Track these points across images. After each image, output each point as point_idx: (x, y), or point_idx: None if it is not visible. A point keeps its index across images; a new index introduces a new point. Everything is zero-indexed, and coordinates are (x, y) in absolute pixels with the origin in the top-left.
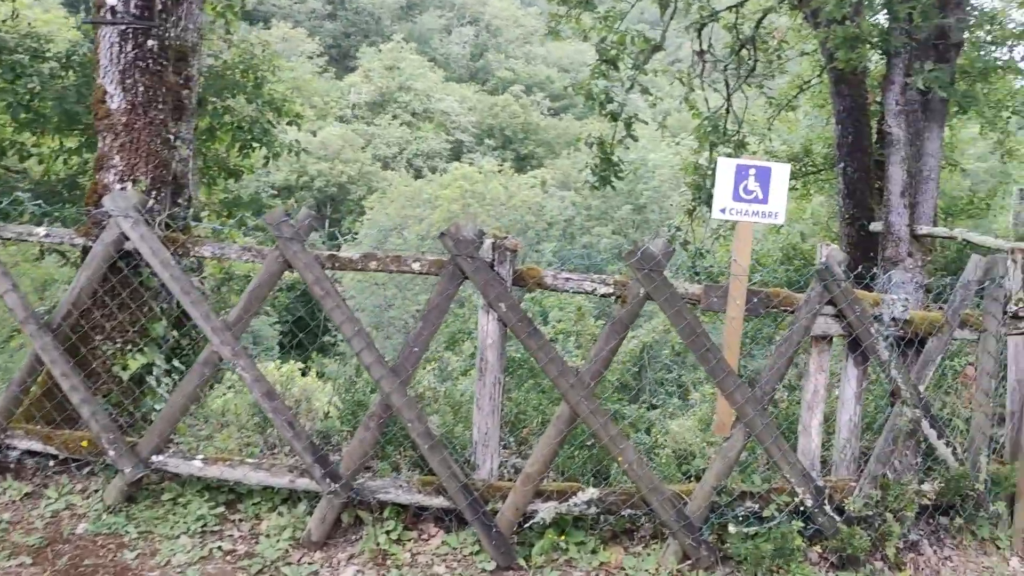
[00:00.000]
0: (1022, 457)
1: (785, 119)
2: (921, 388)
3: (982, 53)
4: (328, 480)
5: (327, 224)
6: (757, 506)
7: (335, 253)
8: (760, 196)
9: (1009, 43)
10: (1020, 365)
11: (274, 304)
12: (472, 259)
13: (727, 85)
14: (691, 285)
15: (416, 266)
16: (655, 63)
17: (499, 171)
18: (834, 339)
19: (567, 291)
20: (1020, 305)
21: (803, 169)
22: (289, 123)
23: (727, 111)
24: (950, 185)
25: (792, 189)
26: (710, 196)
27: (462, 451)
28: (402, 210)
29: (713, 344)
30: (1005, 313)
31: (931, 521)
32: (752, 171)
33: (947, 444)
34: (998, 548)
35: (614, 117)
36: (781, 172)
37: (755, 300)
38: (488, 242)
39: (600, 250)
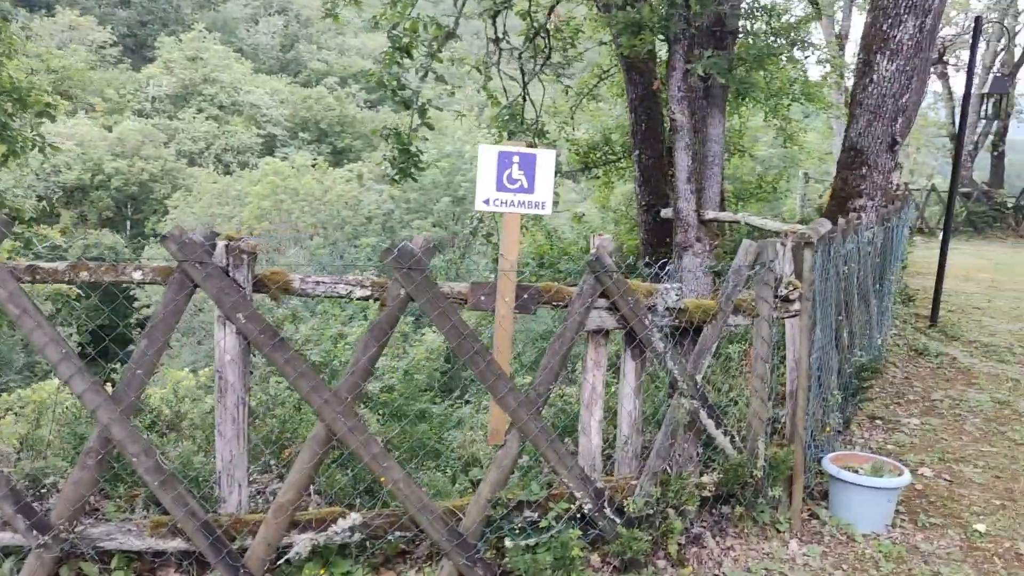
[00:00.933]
0: (798, 439)
1: (588, 108)
2: (698, 378)
3: (757, 41)
4: (35, 531)
5: (129, 225)
6: (536, 515)
7: (36, 264)
8: (525, 185)
9: (788, 35)
10: (797, 346)
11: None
12: (202, 265)
13: (523, 73)
14: (457, 284)
15: (137, 275)
16: (454, 51)
17: (313, 165)
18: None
19: (318, 296)
20: (790, 288)
21: (604, 158)
22: (39, 115)
23: (524, 99)
24: (743, 170)
25: (595, 178)
26: None
27: (206, 483)
28: (209, 209)
29: (482, 346)
30: (776, 297)
31: (713, 512)
32: (516, 159)
33: (725, 433)
34: (778, 531)
35: (406, 105)
36: (546, 159)
37: (526, 296)
38: (221, 245)
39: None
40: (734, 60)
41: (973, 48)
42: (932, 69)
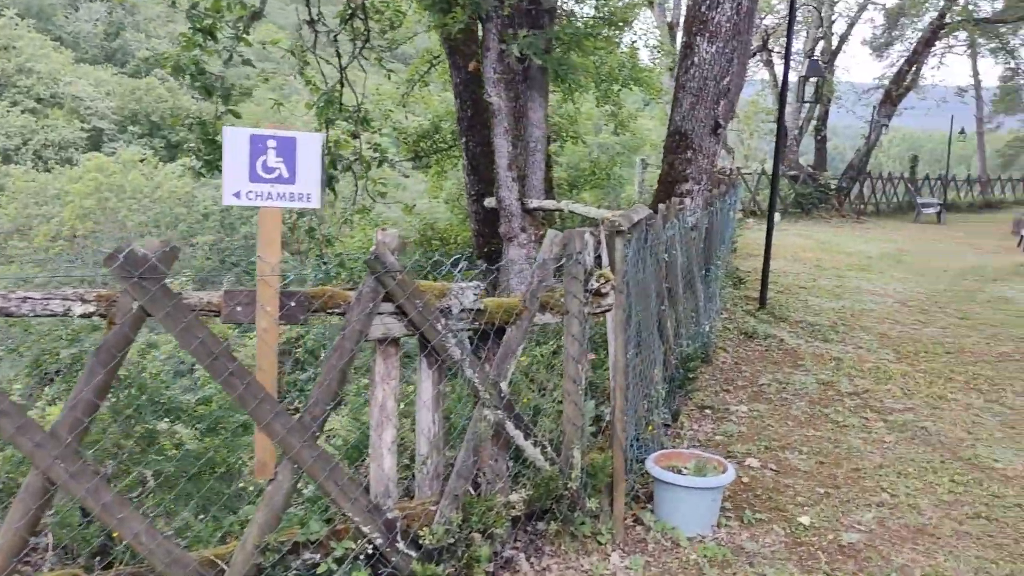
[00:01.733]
0: (617, 442)
1: (421, 96)
2: (504, 385)
3: (573, 20)
4: None
5: None
6: (317, 556)
7: None
8: (285, 174)
9: (613, 17)
10: (619, 341)
11: None
12: None
13: (339, 57)
14: (208, 293)
15: None
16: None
17: (142, 160)
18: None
19: (25, 315)
20: (602, 282)
21: (435, 146)
22: None
23: (342, 85)
24: (577, 156)
25: (427, 168)
26: (330, 178)
27: None
28: (25, 209)
29: (239, 366)
30: (587, 291)
31: (528, 530)
32: (272, 143)
33: (536, 444)
34: (600, 544)
35: (208, 92)
36: (310, 144)
37: (292, 304)
38: None
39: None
40: (552, 41)
41: (789, 32)
42: (758, 56)
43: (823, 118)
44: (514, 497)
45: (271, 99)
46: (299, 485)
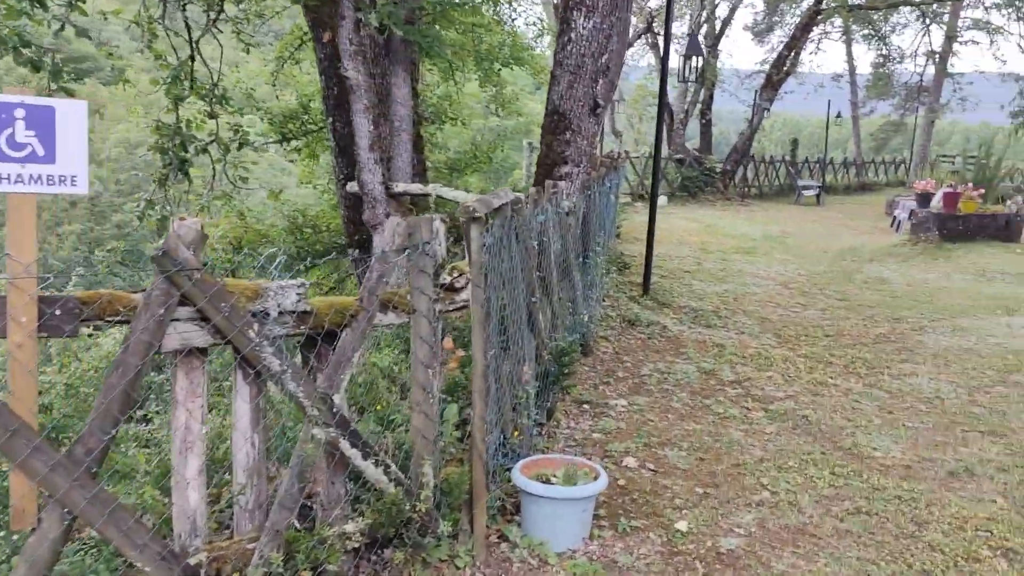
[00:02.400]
0: (476, 453)
1: (291, 73)
2: (337, 398)
3: None
4: None
5: None
6: None
7: None
8: (40, 152)
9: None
10: (478, 340)
11: None
12: None
13: (188, 29)
14: None
15: None
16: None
17: None
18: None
19: None
20: (455, 275)
21: (304, 128)
22: None
23: (192, 59)
24: (461, 139)
25: (296, 151)
26: (183, 161)
27: None
28: None
29: None
30: (439, 286)
31: (373, 560)
32: (20, 113)
33: (377, 463)
34: (457, 569)
35: (35, 67)
36: (73, 114)
37: (58, 312)
38: None
39: None
40: (417, 12)
41: (669, 9)
42: (644, 39)
43: (708, 102)
44: (350, 527)
45: (114, 72)
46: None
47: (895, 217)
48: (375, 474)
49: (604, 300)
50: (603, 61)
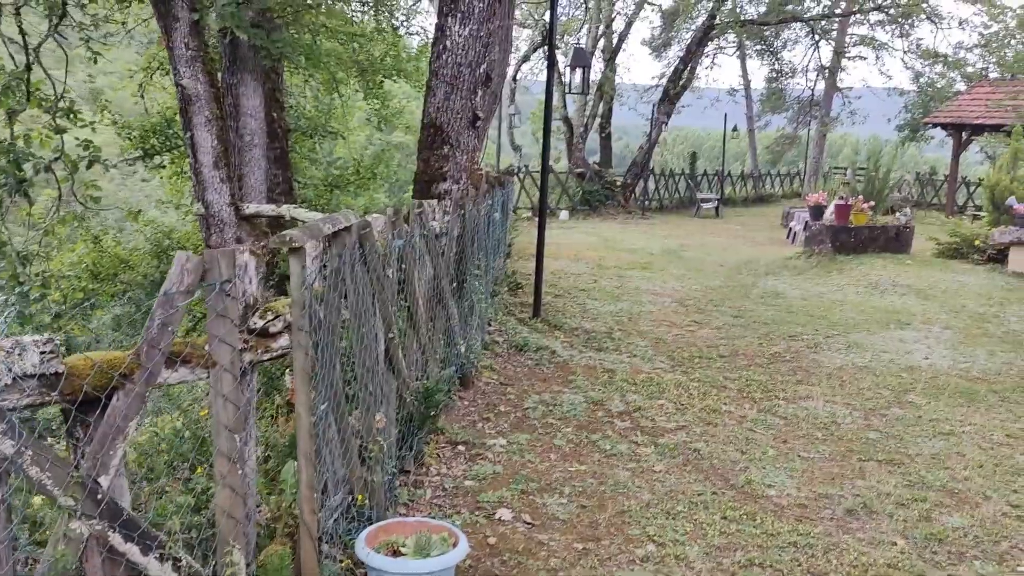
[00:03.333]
0: (304, 527)
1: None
2: (105, 480)
3: None
4: None
5: None
6: None
7: None
8: None
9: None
10: (303, 394)
11: None
12: None
13: (23, 35)
14: None
15: None
16: None
17: None
18: None
19: None
20: (268, 318)
21: (168, 143)
22: None
23: (29, 68)
24: (351, 154)
25: (160, 167)
26: (21, 181)
27: None
28: None
29: None
30: (251, 332)
31: None
32: None
33: (164, 558)
34: None
35: None
36: None
37: None
38: None
39: None
40: (266, 12)
41: (552, 13)
42: (541, 53)
43: (607, 116)
44: None
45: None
46: None
47: (790, 228)
48: (160, 571)
49: (490, 324)
50: (482, 70)
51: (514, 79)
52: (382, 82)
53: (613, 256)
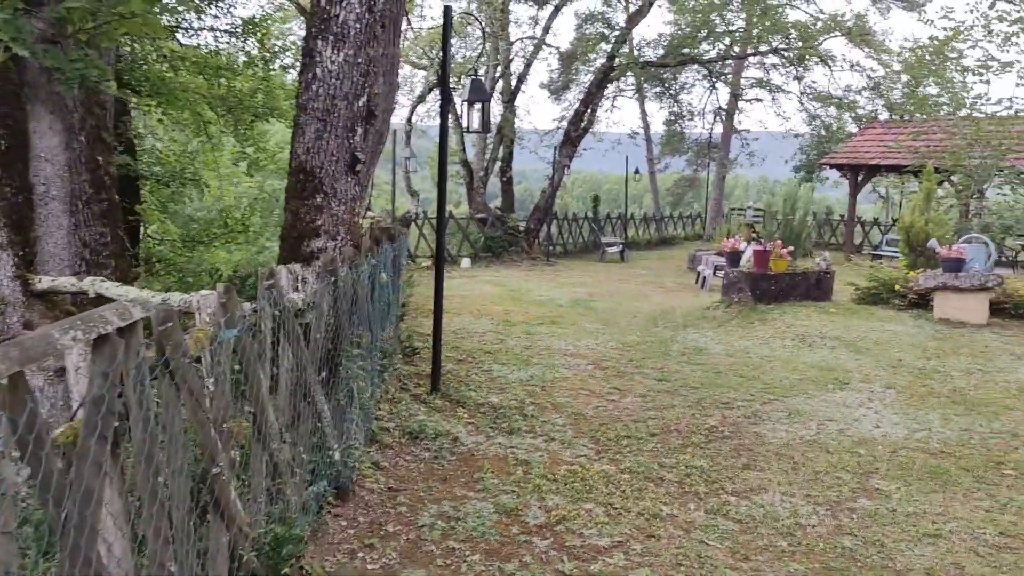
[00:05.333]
0: None
1: None
2: None
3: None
4: None
5: None
6: None
7: None
8: None
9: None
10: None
11: None
12: None
13: None
14: None
15: None
16: None
17: None
18: None
19: None
20: None
21: None
22: None
23: None
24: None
25: None
26: None
27: None
28: None
29: None
30: None
31: None
32: None
33: None
34: None
35: None
36: None
37: None
38: None
39: None
40: (66, 25)
41: (445, 47)
42: (436, 94)
43: (508, 159)
44: None
45: None
46: None
47: (699, 273)
48: None
49: (379, 407)
50: (362, 104)
51: (408, 121)
52: (253, 121)
53: (520, 310)
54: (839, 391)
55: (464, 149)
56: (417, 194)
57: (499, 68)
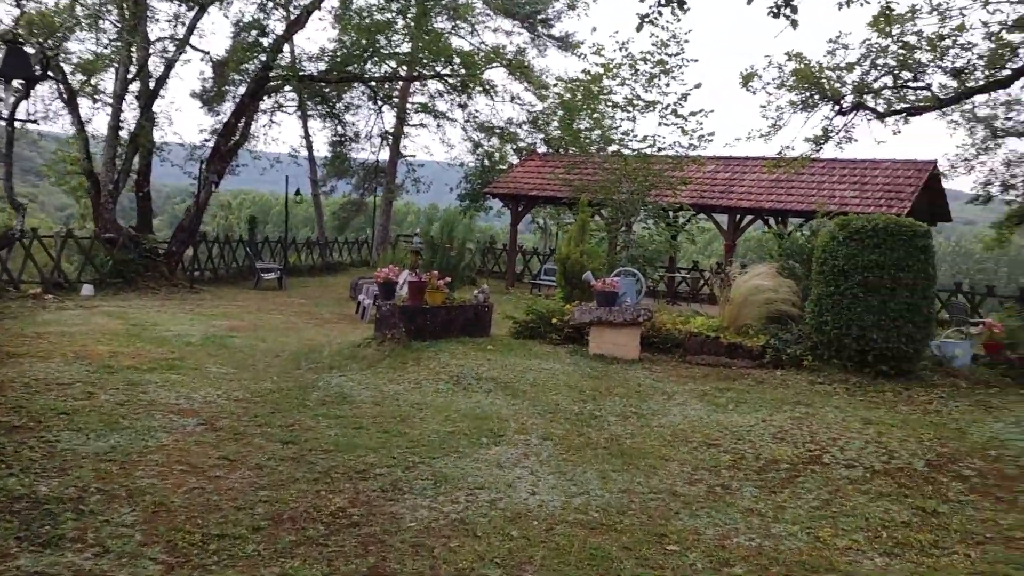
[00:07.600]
0: None
1: None
2: None
3: None
4: None
5: None
6: None
7: None
8: None
9: None
10: None
11: None
12: None
13: None
14: None
15: None
16: None
17: None
18: None
19: None
20: None
21: None
22: None
23: None
24: None
25: None
26: None
27: None
28: None
29: None
30: None
31: None
32: None
33: None
34: None
35: None
36: None
37: None
38: None
39: None
40: None
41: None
42: (50, 88)
43: (145, 172)
44: None
45: None
46: None
47: (359, 302)
48: None
49: None
50: None
51: (9, 122)
52: None
53: (133, 350)
54: (493, 446)
55: (89, 158)
56: (22, 207)
57: (133, 69)
